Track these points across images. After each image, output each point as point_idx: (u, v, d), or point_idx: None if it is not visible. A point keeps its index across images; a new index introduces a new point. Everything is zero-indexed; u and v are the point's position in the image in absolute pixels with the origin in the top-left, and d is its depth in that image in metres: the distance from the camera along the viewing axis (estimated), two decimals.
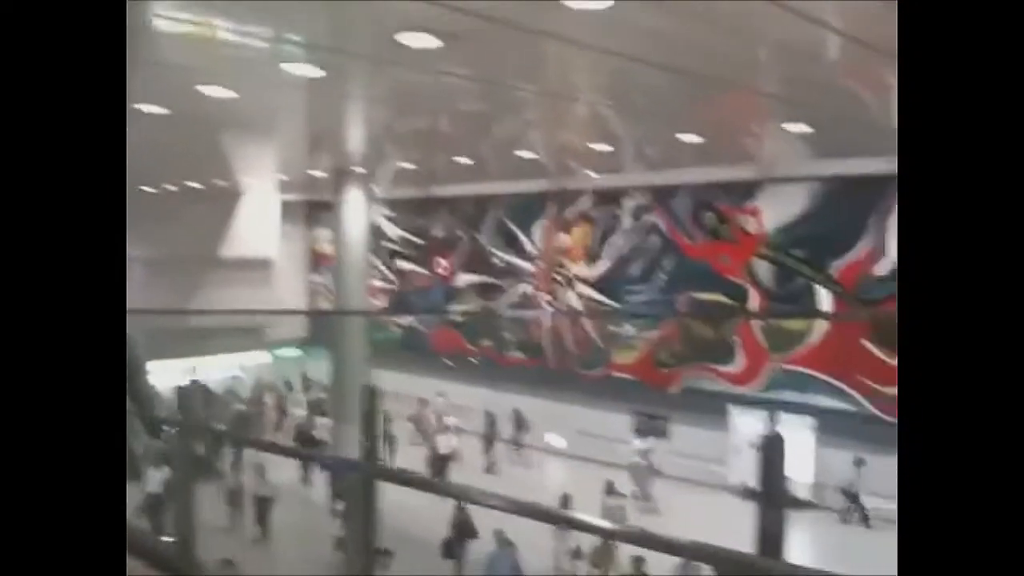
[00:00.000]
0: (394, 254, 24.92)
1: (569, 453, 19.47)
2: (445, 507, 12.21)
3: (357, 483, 4.13)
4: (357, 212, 15.67)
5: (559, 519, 7.61)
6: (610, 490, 14.14)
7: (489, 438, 19.14)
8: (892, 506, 14.89)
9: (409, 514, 9.24)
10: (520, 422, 19.98)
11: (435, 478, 16.10)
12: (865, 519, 15.17)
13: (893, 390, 15.08)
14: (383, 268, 25.15)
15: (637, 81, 8.31)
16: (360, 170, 15.37)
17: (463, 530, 12.35)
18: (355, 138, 13.24)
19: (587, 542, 12.01)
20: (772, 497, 2.73)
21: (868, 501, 15.45)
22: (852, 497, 15.33)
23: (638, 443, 17.20)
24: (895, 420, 14.94)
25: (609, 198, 19.33)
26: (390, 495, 4.22)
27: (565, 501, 12.36)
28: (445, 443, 17.52)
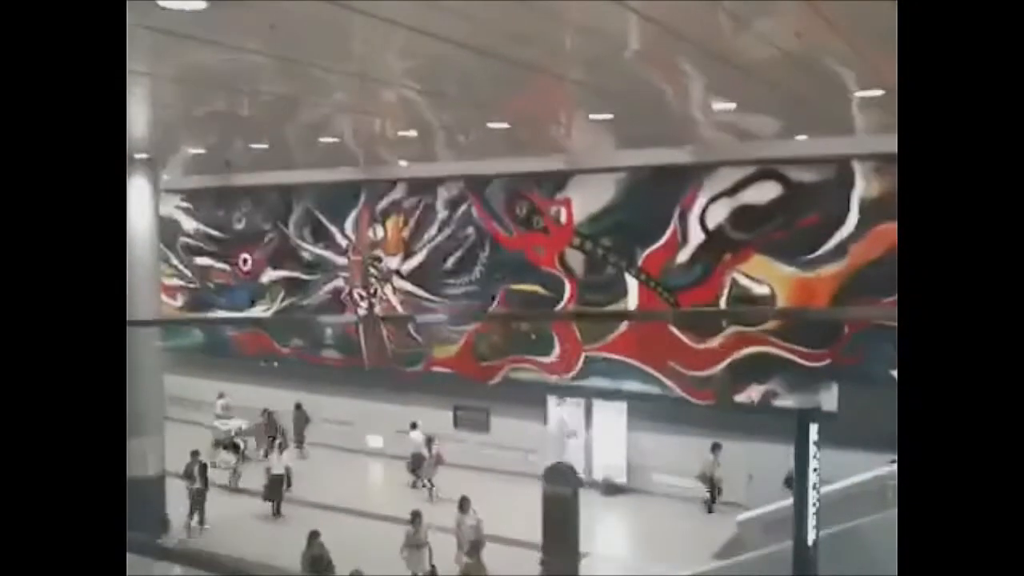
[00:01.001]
0: (192, 249, 22.95)
1: (379, 452, 18.86)
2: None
3: None
4: (141, 203, 14.06)
5: None
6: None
7: (270, 436, 18.76)
8: (687, 483, 15.65)
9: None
10: (301, 419, 19.62)
11: (271, 500, 15.71)
12: (711, 505, 15.17)
13: (698, 373, 15.83)
14: (179, 265, 23.11)
15: (448, 65, 7.92)
16: (143, 156, 13.81)
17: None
18: (136, 121, 11.80)
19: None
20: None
21: (664, 479, 16.11)
22: (710, 482, 15.19)
23: (415, 435, 17.20)
24: (700, 401, 15.86)
25: (423, 188, 18.83)
26: None
27: None
28: (277, 462, 16.33)
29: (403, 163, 17.89)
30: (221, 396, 20.30)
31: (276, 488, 15.80)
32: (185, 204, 22.74)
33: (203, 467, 15.22)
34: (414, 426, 17.42)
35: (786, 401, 14.95)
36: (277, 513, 15.66)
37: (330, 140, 13.63)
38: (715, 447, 15.15)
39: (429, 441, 16.83)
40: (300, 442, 19.42)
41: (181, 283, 23.22)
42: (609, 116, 10.92)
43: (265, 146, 14.39)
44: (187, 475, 14.95)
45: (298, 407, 19.75)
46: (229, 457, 17.93)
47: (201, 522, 14.82)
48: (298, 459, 17.22)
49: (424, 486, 16.54)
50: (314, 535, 11.67)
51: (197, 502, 14.89)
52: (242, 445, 18.51)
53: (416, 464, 17.07)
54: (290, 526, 14.68)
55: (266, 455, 18.03)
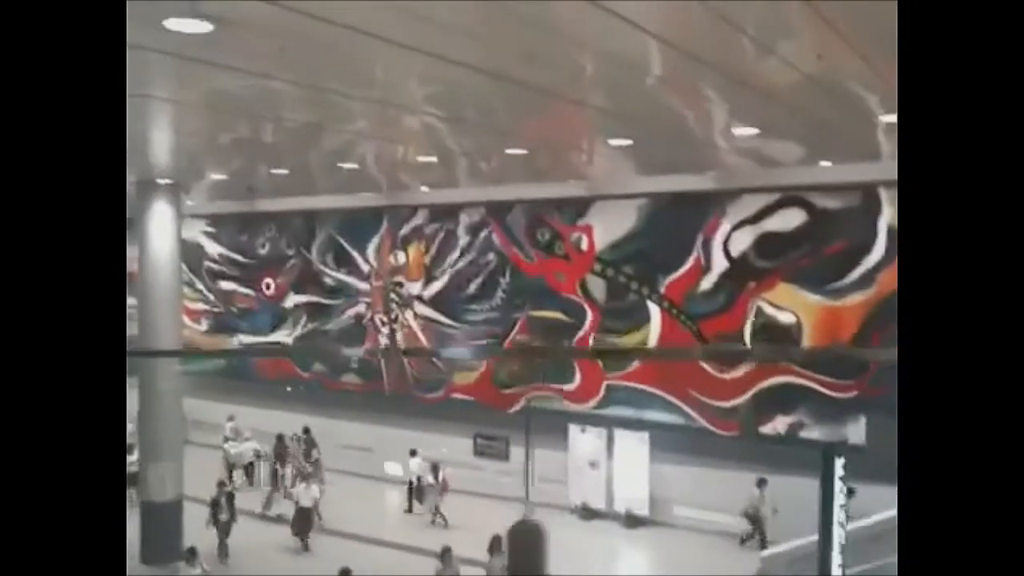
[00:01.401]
0: (216, 274, 23.12)
1: (399, 479, 18.68)
2: None
3: None
4: (163, 228, 14.16)
5: None
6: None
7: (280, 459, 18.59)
8: (710, 516, 15.26)
9: None
10: (309, 443, 19.15)
11: (299, 535, 15.18)
12: (763, 544, 13.78)
13: (722, 403, 15.52)
14: (204, 289, 23.27)
15: (468, 91, 7.91)
16: (166, 181, 13.94)
17: None
18: (159, 146, 11.94)
19: None
20: None
21: (686, 512, 15.66)
22: (754, 520, 14.29)
23: (415, 463, 17.13)
24: (724, 432, 15.52)
25: (445, 214, 18.84)
26: None
27: None
28: (305, 493, 15.77)
29: (424, 189, 17.92)
30: (230, 419, 20.23)
31: (305, 520, 15.26)
32: (210, 229, 22.96)
33: (230, 496, 14.83)
34: (414, 453, 17.27)
35: (813, 433, 14.57)
36: (305, 548, 15.07)
37: (352, 166, 13.69)
38: (761, 482, 14.26)
39: (435, 468, 16.58)
40: (305, 468, 18.93)
41: (205, 307, 23.37)
42: (629, 142, 10.81)
43: (288, 172, 14.48)
44: (214, 505, 14.52)
45: (306, 431, 19.52)
46: (242, 481, 17.87)
47: (224, 554, 14.41)
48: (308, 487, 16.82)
49: (432, 513, 16.32)
50: (345, 573, 11.12)
51: (224, 531, 14.50)
52: (255, 470, 18.49)
53: (417, 491, 16.93)
54: (317, 558, 14.45)
55: (274, 481, 17.86)
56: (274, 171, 14.37)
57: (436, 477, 16.55)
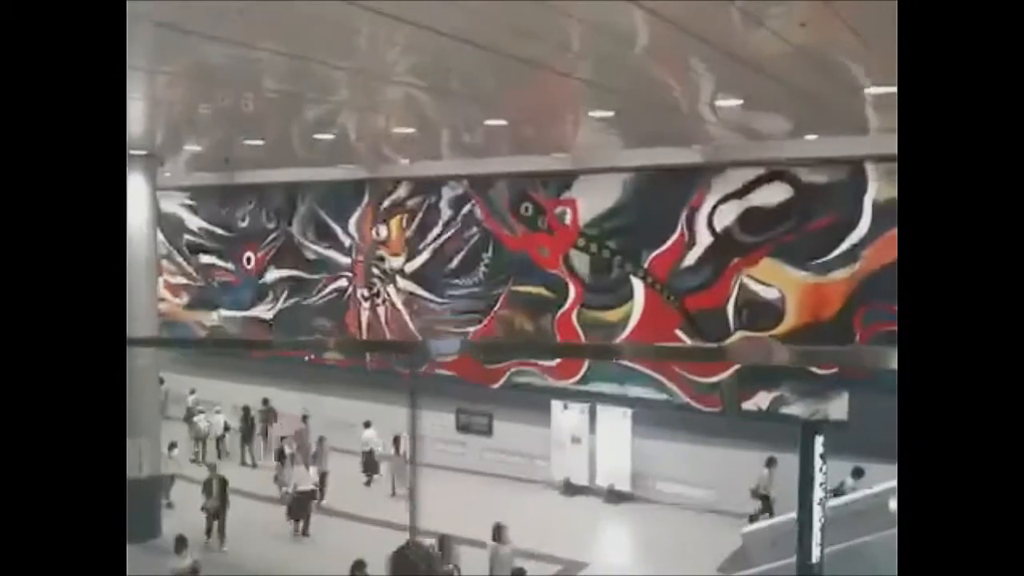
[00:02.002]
0: (195, 247, 22.80)
1: (382, 456, 18.60)
2: None
3: None
4: (138, 201, 13.85)
5: None
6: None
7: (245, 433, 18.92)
8: (693, 492, 15.30)
9: None
10: (269, 415, 19.41)
11: (297, 519, 14.47)
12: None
13: (705, 379, 15.50)
14: (183, 262, 22.96)
15: (452, 62, 7.73)
16: (140, 152, 13.62)
17: None
18: (132, 117, 11.61)
19: None
20: None
21: (669, 487, 15.70)
22: (764, 499, 13.71)
23: (368, 434, 17.04)
24: (707, 408, 15.52)
25: (427, 187, 18.59)
26: None
27: None
28: (305, 475, 15.05)
29: (405, 161, 17.67)
30: (192, 392, 20.08)
31: (303, 505, 14.49)
32: (189, 202, 22.60)
33: (223, 482, 14.05)
34: (368, 425, 17.16)
35: (795, 408, 14.59)
36: (304, 532, 14.42)
37: (333, 137, 13.43)
38: (770, 461, 13.52)
39: (396, 440, 16.34)
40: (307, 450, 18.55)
41: (185, 281, 23.07)
42: (612, 113, 10.63)
43: (267, 143, 14.20)
44: (205, 490, 13.94)
45: (265, 402, 19.49)
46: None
47: (221, 542, 13.80)
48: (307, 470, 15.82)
49: (392, 485, 16.15)
50: (359, 567, 9.99)
51: (215, 518, 13.90)
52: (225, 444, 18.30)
53: (369, 464, 16.86)
54: (317, 544, 14.11)
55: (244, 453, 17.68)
56: (253, 142, 14.06)
57: (397, 449, 16.33)
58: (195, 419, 19.08)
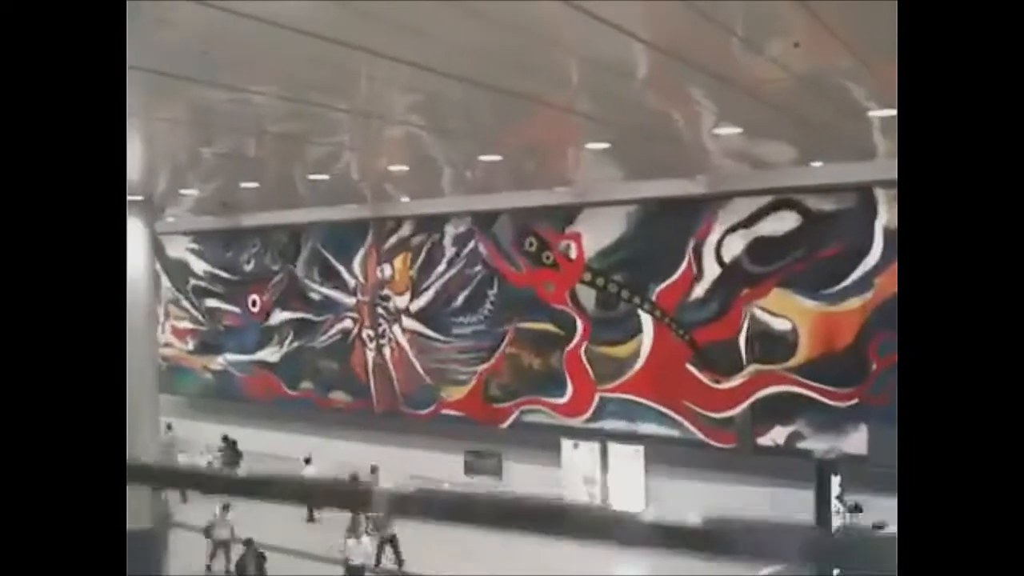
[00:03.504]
0: (201, 291, 22.72)
1: None
2: None
3: None
4: (135, 246, 13.74)
5: None
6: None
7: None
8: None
9: None
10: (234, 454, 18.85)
11: None
12: None
13: (718, 414, 15.10)
14: (189, 307, 22.88)
15: (452, 100, 7.72)
16: (137, 198, 13.55)
17: None
18: (129, 162, 11.56)
19: None
20: None
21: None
22: None
23: (309, 471, 15.90)
24: (720, 445, 15.09)
25: (431, 225, 18.47)
26: None
27: None
28: (356, 547, 13.46)
29: (405, 199, 17.58)
30: (169, 428, 19.12)
31: None
32: (194, 246, 22.59)
33: (260, 556, 13.25)
34: (308, 461, 16.79)
35: (812, 443, 14.13)
36: None
37: (335, 178, 13.36)
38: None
39: (374, 470, 15.80)
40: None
41: (192, 326, 22.97)
42: (611, 145, 10.47)
43: (270, 185, 14.13)
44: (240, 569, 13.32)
45: (225, 439, 19.05)
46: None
47: None
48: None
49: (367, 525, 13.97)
50: None
51: (222, 555, 13.67)
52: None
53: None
54: None
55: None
56: (254, 185, 14.00)
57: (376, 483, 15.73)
58: (180, 457, 18.54)
